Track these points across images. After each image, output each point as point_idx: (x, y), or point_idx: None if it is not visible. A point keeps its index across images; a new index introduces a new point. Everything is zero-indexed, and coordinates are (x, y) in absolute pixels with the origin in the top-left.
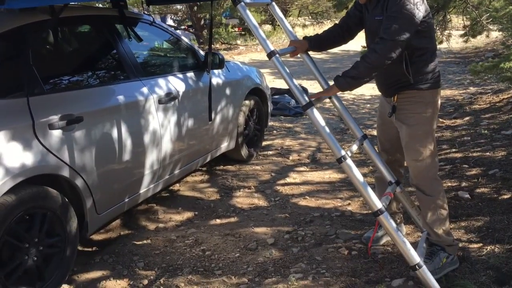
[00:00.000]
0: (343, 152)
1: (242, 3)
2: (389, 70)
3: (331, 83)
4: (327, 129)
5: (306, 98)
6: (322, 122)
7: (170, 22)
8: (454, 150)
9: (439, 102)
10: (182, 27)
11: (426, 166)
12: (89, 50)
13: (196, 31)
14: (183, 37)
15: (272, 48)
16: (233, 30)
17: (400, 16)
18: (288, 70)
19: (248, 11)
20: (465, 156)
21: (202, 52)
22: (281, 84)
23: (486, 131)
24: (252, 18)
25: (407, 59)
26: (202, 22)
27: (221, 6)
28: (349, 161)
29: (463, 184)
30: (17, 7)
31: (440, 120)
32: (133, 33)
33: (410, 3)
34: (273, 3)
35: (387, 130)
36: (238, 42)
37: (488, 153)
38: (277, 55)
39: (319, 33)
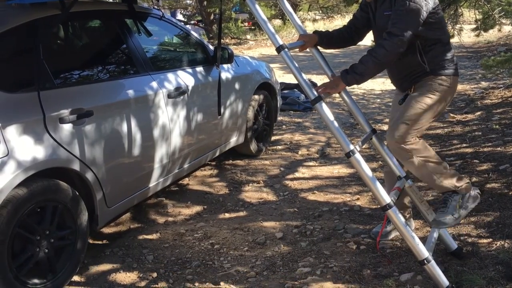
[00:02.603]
0: (351, 147)
1: None
2: (403, 62)
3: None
4: (336, 124)
5: (315, 93)
6: (331, 116)
7: (180, 16)
8: (465, 145)
9: (453, 91)
10: (192, 22)
11: (406, 131)
12: (99, 45)
13: (206, 26)
14: (192, 32)
15: (281, 43)
16: (242, 24)
17: (408, 10)
18: (297, 65)
19: (257, 6)
20: (476, 151)
21: (211, 47)
22: (290, 79)
23: (497, 126)
24: (261, 13)
25: (420, 49)
26: (212, 17)
27: (231, 0)
28: (357, 155)
29: (474, 179)
30: (27, 2)
31: (451, 115)
32: (143, 27)
33: None
34: None
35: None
36: (248, 37)
37: (499, 148)
38: (286, 49)
39: (330, 30)
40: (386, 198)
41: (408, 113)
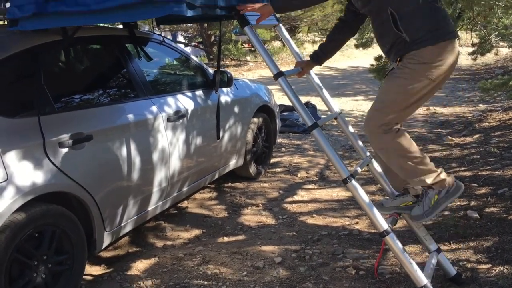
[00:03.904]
0: (348, 173)
1: (250, 25)
2: (382, 34)
3: (338, 99)
4: (333, 150)
5: (313, 119)
6: (327, 143)
7: (180, 38)
8: (463, 168)
9: (444, 63)
10: (193, 43)
11: (381, 116)
12: (100, 69)
13: (206, 47)
14: (192, 56)
15: (278, 70)
16: (242, 46)
17: None
18: (294, 91)
19: (255, 33)
20: (474, 175)
21: (211, 71)
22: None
23: (495, 150)
24: (259, 41)
25: (394, 15)
26: (212, 38)
27: (231, 23)
28: (354, 182)
29: (472, 203)
30: (29, 28)
31: (449, 137)
32: (143, 52)
33: None
34: (280, 24)
35: None
36: (248, 58)
37: (497, 172)
38: (284, 76)
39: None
40: (384, 224)
41: (383, 95)
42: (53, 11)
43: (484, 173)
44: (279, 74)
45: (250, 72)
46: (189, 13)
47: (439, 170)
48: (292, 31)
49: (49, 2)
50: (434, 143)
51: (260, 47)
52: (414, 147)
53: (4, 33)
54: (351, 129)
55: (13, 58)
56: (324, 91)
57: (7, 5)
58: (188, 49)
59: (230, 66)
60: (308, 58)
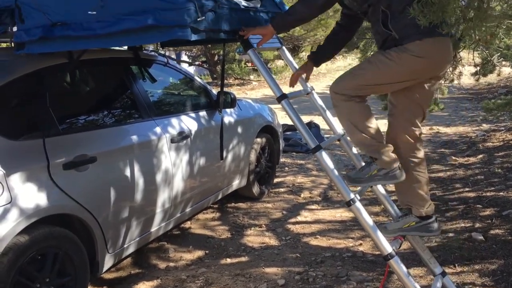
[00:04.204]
0: (352, 195)
1: (253, 48)
2: (377, 30)
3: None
4: (336, 172)
5: (316, 141)
6: (331, 165)
7: (184, 57)
8: (467, 189)
9: (429, 58)
10: (197, 63)
11: (349, 81)
12: (104, 91)
13: (210, 66)
14: (196, 77)
15: (282, 92)
16: (246, 65)
17: None
18: (297, 114)
19: (258, 56)
20: (479, 196)
21: (214, 91)
22: None
23: (499, 170)
24: (263, 63)
25: (386, 14)
26: (216, 58)
27: (235, 43)
28: (358, 204)
29: (477, 225)
30: (36, 52)
31: (453, 158)
32: (148, 74)
33: None
34: (284, 47)
35: None
36: (251, 77)
37: (502, 193)
38: (287, 99)
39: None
40: (388, 247)
41: (359, 66)
42: (60, 35)
43: (488, 194)
44: (282, 97)
45: (254, 91)
46: (193, 37)
47: (386, 146)
48: (295, 50)
49: (56, 26)
50: (438, 163)
51: (263, 69)
52: (367, 119)
53: (11, 56)
54: (354, 150)
55: (19, 81)
56: (328, 112)
57: (14, 28)
58: (192, 68)
59: (234, 85)
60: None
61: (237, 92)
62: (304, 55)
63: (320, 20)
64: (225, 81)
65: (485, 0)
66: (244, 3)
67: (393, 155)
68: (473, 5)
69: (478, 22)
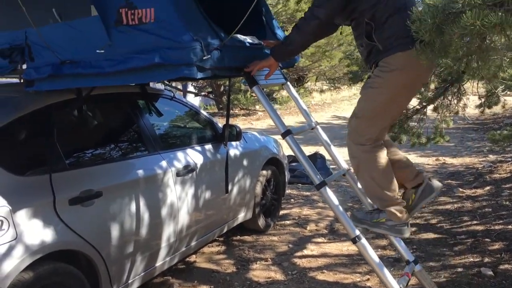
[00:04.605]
0: (357, 232)
1: (258, 85)
2: (361, 42)
3: (343, 150)
4: (341, 208)
5: (320, 177)
6: (335, 201)
7: (191, 88)
8: (475, 222)
9: (414, 69)
10: (203, 93)
11: (361, 127)
12: (111, 126)
13: (216, 97)
14: (202, 111)
15: (286, 128)
16: (251, 95)
17: None
18: (302, 150)
19: (263, 92)
20: (487, 229)
21: (220, 124)
22: None
23: (507, 203)
24: (267, 99)
25: (370, 26)
26: (222, 88)
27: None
28: (363, 241)
29: (486, 259)
30: (45, 89)
31: (460, 189)
32: (154, 108)
33: None
34: (288, 83)
35: None
36: (257, 107)
37: (510, 226)
38: (291, 135)
39: None
40: (395, 285)
41: (360, 109)
42: (69, 73)
43: (497, 227)
44: (287, 133)
45: (259, 122)
46: (199, 75)
47: (400, 203)
48: (300, 80)
49: (65, 64)
50: (445, 195)
51: (268, 105)
52: (383, 170)
53: (21, 92)
54: (359, 185)
55: (28, 117)
56: (333, 147)
57: (24, 66)
58: (198, 99)
59: (239, 116)
60: (313, 100)
61: (242, 122)
62: (309, 85)
63: (324, 51)
64: (231, 111)
65: (487, 41)
66: (249, 41)
67: (405, 210)
68: (474, 46)
69: (481, 64)
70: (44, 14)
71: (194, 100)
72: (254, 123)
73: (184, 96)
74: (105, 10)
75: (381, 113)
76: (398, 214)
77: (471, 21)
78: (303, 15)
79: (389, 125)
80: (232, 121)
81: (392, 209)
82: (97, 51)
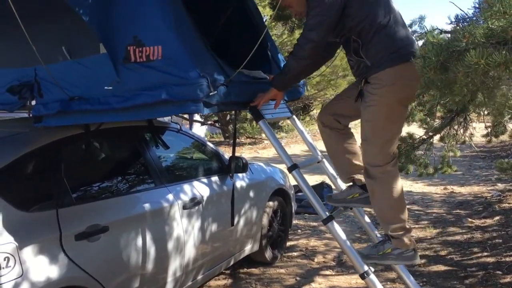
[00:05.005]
0: (365, 268)
1: (264, 119)
2: (350, 58)
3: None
4: (348, 243)
5: (327, 213)
6: (343, 236)
7: (197, 117)
8: (486, 254)
9: (405, 83)
10: (209, 122)
11: (373, 149)
12: (118, 159)
13: (222, 125)
14: (208, 143)
15: (292, 163)
16: (257, 124)
17: (314, 14)
18: (308, 183)
19: (269, 127)
20: (498, 261)
21: (226, 156)
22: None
23: None
24: (273, 134)
25: (358, 43)
26: (228, 117)
27: None
28: (372, 276)
29: None
30: (54, 125)
31: (469, 220)
32: (161, 141)
33: None
34: (294, 116)
35: (345, 102)
36: (263, 136)
37: None
38: (298, 169)
39: None
40: None
41: (363, 129)
42: (77, 109)
43: (507, 259)
44: (293, 167)
45: (265, 150)
46: (206, 111)
47: (408, 230)
48: (306, 109)
49: (73, 100)
50: (454, 225)
51: (274, 140)
52: (398, 193)
53: (29, 128)
54: (367, 219)
55: (36, 153)
56: (339, 180)
57: (33, 102)
58: (204, 127)
59: (246, 144)
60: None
61: (249, 151)
62: (315, 113)
63: (330, 80)
64: (237, 139)
65: (493, 80)
66: (254, 75)
67: (412, 237)
68: (479, 84)
69: (487, 101)
70: (54, 51)
71: (200, 128)
72: (260, 152)
73: (191, 125)
74: (113, 47)
75: (385, 129)
76: (406, 241)
77: (475, 60)
78: (296, 42)
79: (397, 136)
80: (238, 150)
81: (401, 235)
82: (105, 87)
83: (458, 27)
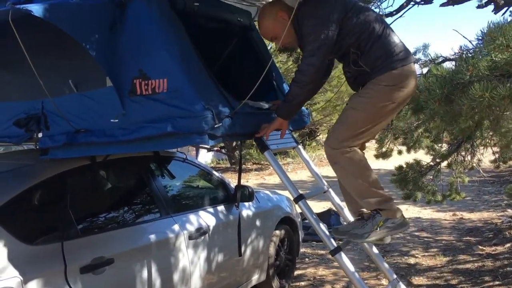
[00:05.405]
0: None
1: (269, 149)
2: (348, 70)
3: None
4: (357, 275)
5: (334, 244)
6: (351, 267)
7: None
8: (497, 283)
9: (404, 86)
10: (215, 148)
11: (346, 133)
12: (124, 190)
13: (228, 152)
14: (214, 172)
15: (298, 193)
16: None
17: (312, 33)
18: (314, 214)
19: (274, 157)
20: None
21: (232, 185)
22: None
23: None
24: (279, 164)
25: (355, 56)
26: (234, 143)
27: None
28: None
29: None
30: (60, 157)
31: (480, 247)
32: (167, 171)
33: (321, 14)
34: (299, 146)
35: None
36: None
37: None
38: (304, 199)
39: None
40: None
41: (344, 115)
42: (83, 141)
43: None
44: (299, 198)
45: (272, 177)
46: (211, 143)
47: (390, 198)
48: (312, 134)
49: (79, 133)
50: (464, 253)
51: (280, 171)
52: (367, 169)
53: (35, 160)
54: (375, 250)
55: (41, 185)
56: (346, 210)
57: (40, 134)
58: (210, 154)
59: (252, 170)
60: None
61: (255, 177)
62: (321, 137)
63: (335, 106)
64: (244, 166)
65: (498, 111)
66: (259, 106)
67: (393, 206)
68: (485, 116)
69: (493, 133)
70: (60, 84)
71: (206, 155)
72: (267, 178)
73: (197, 151)
74: (119, 80)
75: (368, 124)
76: (394, 208)
77: (479, 93)
78: (297, 68)
79: (370, 138)
80: (244, 176)
81: (387, 205)
82: (111, 120)
83: (462, 56)
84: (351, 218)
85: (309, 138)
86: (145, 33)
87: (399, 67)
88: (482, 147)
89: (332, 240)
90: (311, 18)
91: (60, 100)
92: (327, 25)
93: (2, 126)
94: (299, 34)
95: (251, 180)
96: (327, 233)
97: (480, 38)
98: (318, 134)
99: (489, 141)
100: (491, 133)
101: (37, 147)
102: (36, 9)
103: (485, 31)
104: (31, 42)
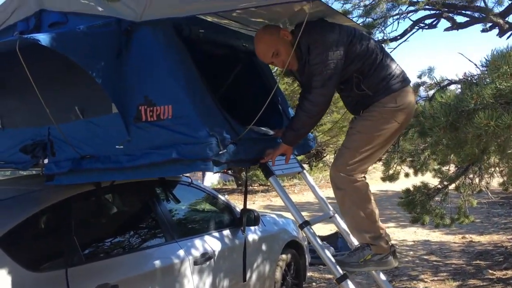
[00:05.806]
0: None
1: (274, 175)
2: (349, 94)
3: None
4: None
5: (340, 271)
6: None
7: None
8: None
9: (407, 106)
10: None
11: (352, 158)
12: (128, 216)
13: (235, 173)
14: (219, 195)
15: (303, 219)
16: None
17: (319, 62)
18: (320, 242)
19: (279, 183)
20: None
21: (238, 209)
22: (318, 229)
23: None
24: (284, 190)
25: (359, 79)
26: None
27: None
28: None
29: None
30: (65, 183)
31: (490, 271)
32: (172, 195)
33: (329, 42)
34: (304, 171)
35: None
36: None
37: None
38: (309, 226)
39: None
40: None
41: (349, 140)
42: (88, 167)
43: None
44: (304, 224)
45: (278, 198)
46: (215, 169)
47: (384, 235)
48: (319, 155)
49: (85, 159)
50: (474, 277)
51: (285, 196)
52: (369, 201)
53: (41, 186)
54: (382, 277)
55: (46, 211)
56: (351, 236)
57: (46, 160)
58: (217, 175)
59: (258, 192)
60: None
61: (261, 199)
62: (328, 158)
63: (342, 127)
64: (250, 187)
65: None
66: (263, 132)
67: (388, 240)
68: (491, 144)
69: (499, 161)
70: (67, 111)
71: (213, 176)
72: (273, 199)
73: (203, 173)
74: (125, 107)
75: (375, 146)
76: (385, 246)
77: (484, 121)
78: (306, 98)
79: (377, 159)
80: (251, 198)
81: (379, 241)
82: (117, 146)
83: (466, 82)
84: (357, 243)
85: (315, 159)
86: (150, 60)
87: (400, 89)
88: (490, 170)
89: (338, 267)
90: (319, 46)
91: (66, 126)
92: (335, 53)
93: (9, 152)
94: (304, 59)
95: (257, 202)
96: (333, 260)
97: (485, 65)
98: (325, 155)
99: (496, 167)
100: (498, 158)
101: (43, 173)
102: (43, 39)
103: (489, 59)
104: (38, 70)
